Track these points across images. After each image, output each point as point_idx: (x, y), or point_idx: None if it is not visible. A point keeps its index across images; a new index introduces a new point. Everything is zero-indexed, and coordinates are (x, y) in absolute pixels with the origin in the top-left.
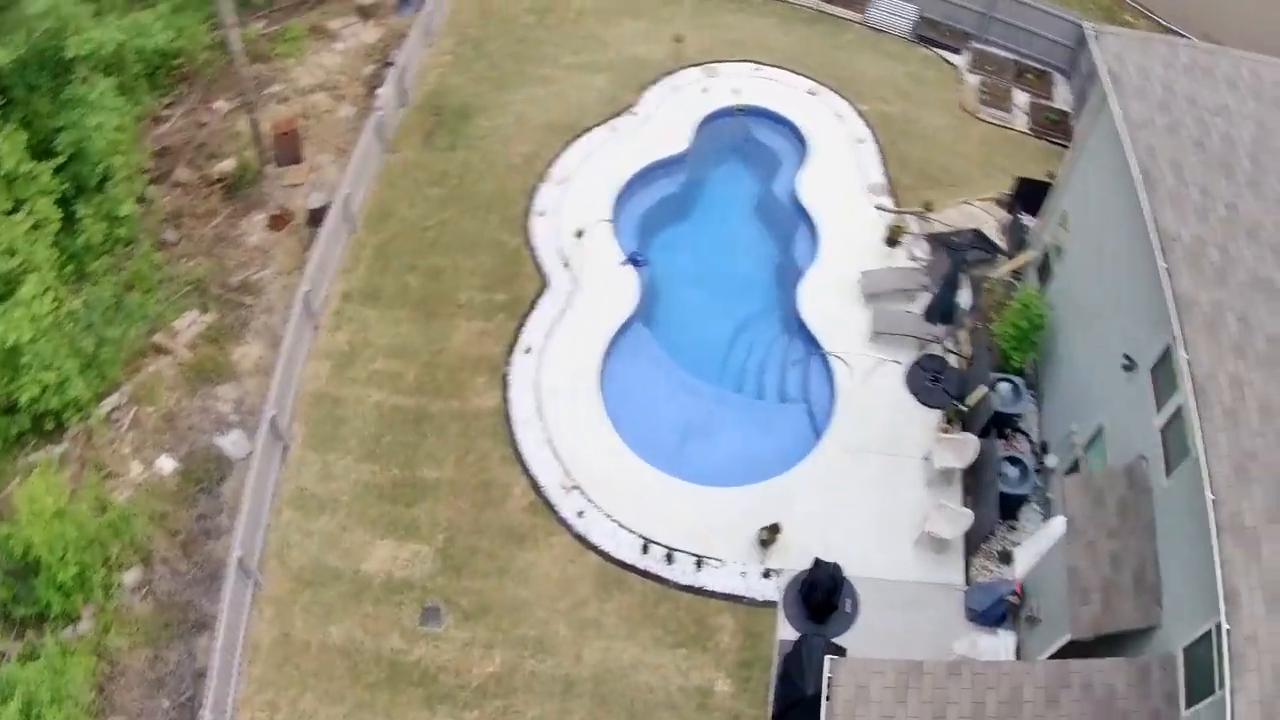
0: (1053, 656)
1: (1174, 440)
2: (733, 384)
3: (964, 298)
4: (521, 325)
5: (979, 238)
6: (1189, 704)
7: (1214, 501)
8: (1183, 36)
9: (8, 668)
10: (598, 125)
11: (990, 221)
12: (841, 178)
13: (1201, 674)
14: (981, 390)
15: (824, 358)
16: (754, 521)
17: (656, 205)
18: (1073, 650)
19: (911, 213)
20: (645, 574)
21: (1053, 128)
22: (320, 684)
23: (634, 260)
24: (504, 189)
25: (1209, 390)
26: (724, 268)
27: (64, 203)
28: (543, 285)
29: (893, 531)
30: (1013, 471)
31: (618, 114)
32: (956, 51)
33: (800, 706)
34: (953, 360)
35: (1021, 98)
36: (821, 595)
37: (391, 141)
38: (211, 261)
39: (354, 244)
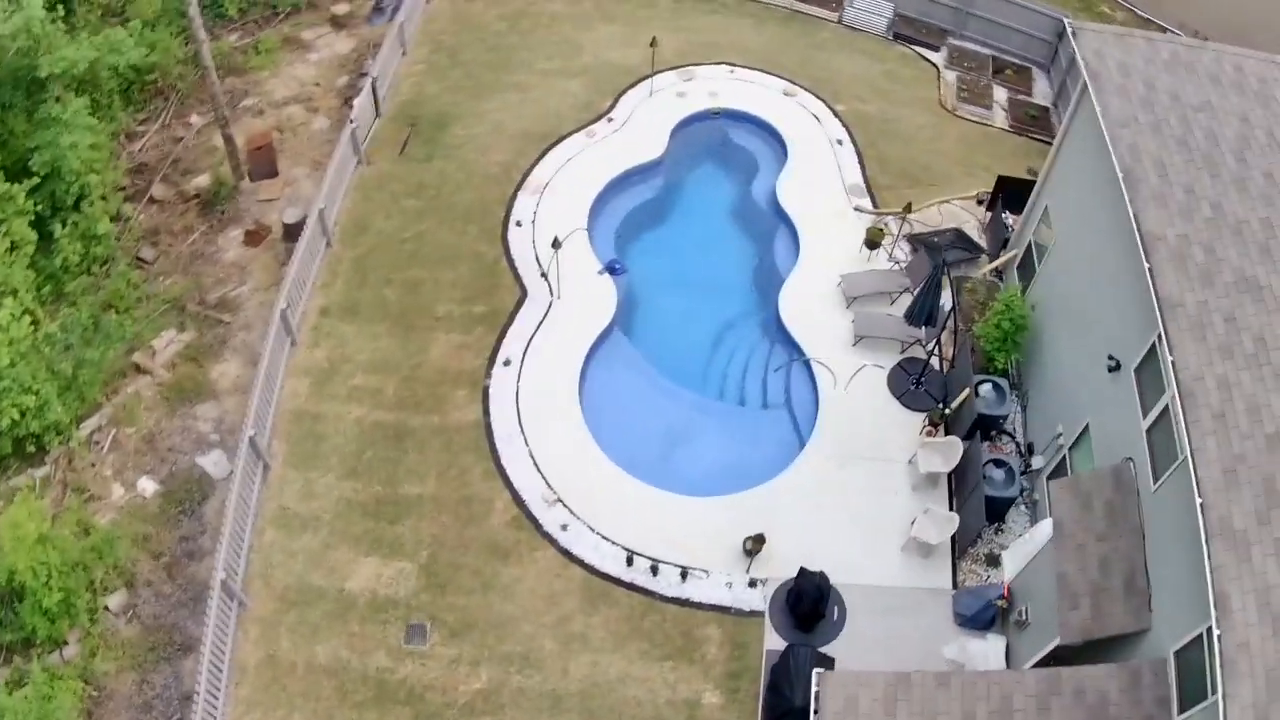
0: (1042, 660)
1: (1161, 442)
2: (714, 392)
3: (946, 299)
4: (501, 337)
5: (960, 237)
6: (1181, 709)
7: (1203, 505)
8: (1161, 28)
9: None
10: (574, 131)
11: (971, 220)
12: (820, 179)
13: (1193, 679)
14: (964, 392)
15: (807, 363)
16: (739, 531)
17: (634, 212)
18: (1062, 653)
19: (891, 214)
20: (631, 586)
21: (1033, 123)
22: (307, 704)
23: (611, 269)
24: (482, 199)
25: (1196, 393)
26: (703, 273)
27: (40, 223)
28: (522, 296)
29: (879, 537)
30: (998, 474)
31: (594, 120)
32: (934, 48)
33: (789, 717)
34: (935, 362)
35: (1001, 94)
36: (808, 604)
37: (367, 153)
38: (189, 279)
39: (331, 258)
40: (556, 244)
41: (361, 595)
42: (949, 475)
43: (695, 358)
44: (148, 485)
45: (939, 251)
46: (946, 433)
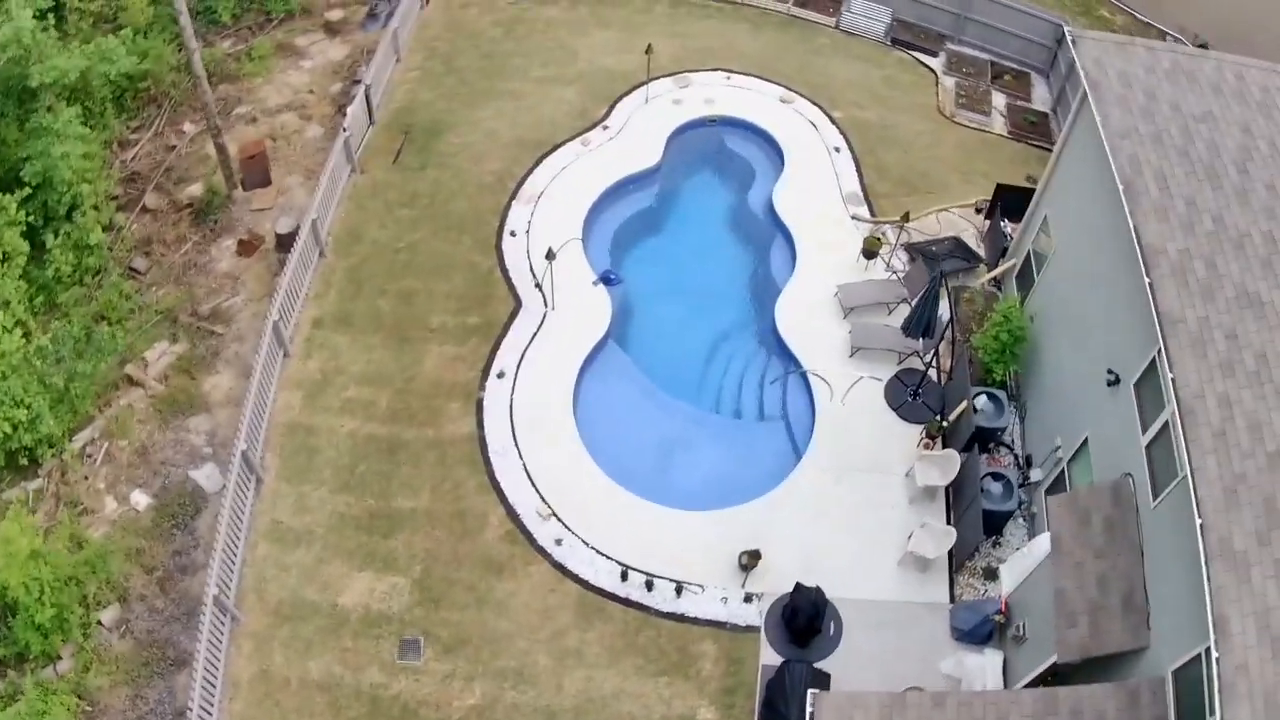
0: (1039, 676)
1: (1161, 458)
2: (710, 404)
3: (944, 309)
4: (495, 349)
5: (958, 246)
6: None
7: (1203, 526)
8: (1161, 32)
9: None
10: (569, 139)
11: (969, 229)
12: (817, 187)
13: (1192, 699)
14: (962, 404)
15: (804, 375)
16: (734, 545)
17: (629, 221)
18: (1059, 669)
19: (889, 222)
20: (625, 602)
21: (1032, 129)
22: None
23: (606, 279)
24: (476, 208)
25: (1196, 410)
26: (699, 284)
27: (32, 233)
28: (516, 307)
29: (876, 551)
30: (996, 487)
31: (589, 128)
32: (932, 54)
33: None
34: (933, 374)
35: (999, 99)
36: (804, 620)
37: (361, 161)
38: (181, 290)
39: (324, 268)
40: (551, 255)
41: (355, 610)
42: (946, 488)
43: (691, 369)
44: (140, 499)
45: (937, 261)
46: (944, 445)
